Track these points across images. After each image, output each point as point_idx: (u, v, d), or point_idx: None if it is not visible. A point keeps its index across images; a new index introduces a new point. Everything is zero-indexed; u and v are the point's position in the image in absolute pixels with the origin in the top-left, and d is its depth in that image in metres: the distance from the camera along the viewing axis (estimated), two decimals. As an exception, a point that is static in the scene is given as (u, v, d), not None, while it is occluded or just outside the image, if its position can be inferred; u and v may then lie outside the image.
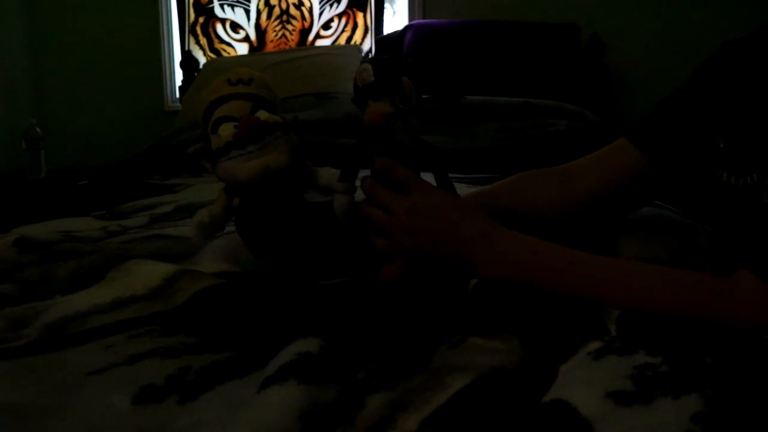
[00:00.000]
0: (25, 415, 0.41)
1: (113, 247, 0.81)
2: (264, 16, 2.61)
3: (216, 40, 2.65)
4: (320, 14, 2.57)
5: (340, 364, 0.44)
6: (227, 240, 0.76)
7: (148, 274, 0.64)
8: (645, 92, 2.30)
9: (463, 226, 0.61)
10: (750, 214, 0.60)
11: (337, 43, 2.56)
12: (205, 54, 2.67)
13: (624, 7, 2.42)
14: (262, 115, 0.66)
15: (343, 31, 2.56)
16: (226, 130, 0.66)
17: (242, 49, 2.64)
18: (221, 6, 2.64)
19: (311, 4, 2.57)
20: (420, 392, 0.41)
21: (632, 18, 2.42)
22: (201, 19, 2.66)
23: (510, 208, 0.77)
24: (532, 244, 0.60)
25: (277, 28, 2.60)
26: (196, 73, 2.58)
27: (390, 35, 2.53)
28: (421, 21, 2.50)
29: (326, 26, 2.57)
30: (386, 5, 2.60)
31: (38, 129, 2.43)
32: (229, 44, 2.65)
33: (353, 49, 2.48)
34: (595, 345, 0.45)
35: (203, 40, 2.67)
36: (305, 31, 2.58)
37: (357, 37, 2.55)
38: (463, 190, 0.77)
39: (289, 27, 2.59)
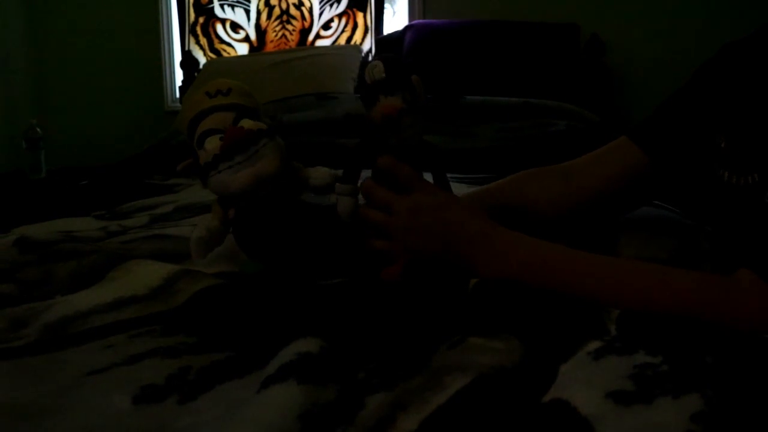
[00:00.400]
0: (25, 415, 0.41)
1: (113, 247, 0.81)
2: (264, 16, 2.61)
3: (216, 40, 2.65)
4: (320, 14, 2.57)
5: (340, 364, 0.44)
6: (227, 241, 0.76)
7: (148, 274, 0.64)
8: (645, 92, 2.30)
9: (464, 226, 0.61)
10: (751, 213, 0.60)
11: (337, 43, 2.56)
12: (205, 54, 2.67)
13: (624, 7, 2.42)
14: (246, 123, 0.66)
15: (343, 31, 2.56)
16: (212, 144, 0.66)
17: (242, 49, 2.64)
18: (221, 6, 2.64)
19: (311, 4, 2.57)
20: (420, 392, 0.41)
21: (632, 18, 2.42)
22: (201, 19, 2.66)
23: (510, 207, 0.77)
24: (533, 244, 0.60)
25: (277, 28, 2.60)
26: (196, 73, 2.57)
27: (390, 35, 2.53)
28: (421, 21, 2.50)
29: (326, 26, 2.57)
30: (386, 5, 2.60)
31: (38, 129, 2.43)
32: (229, 44, 2.65)
33: (353, 49, 2.48)
34: (595, 345, 0.45)
35: (203, 40, 2.67)
36: (305, 31, 2.58)
37: (357, 37, 2.55)
38: (463, 190, 0.77)
39: (289, 27, 2.59)
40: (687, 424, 0.35)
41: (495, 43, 2.27)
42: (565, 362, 0.44)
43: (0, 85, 2.71)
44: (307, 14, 2.58)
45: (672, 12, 2.39)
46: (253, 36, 2.62)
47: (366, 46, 2.54)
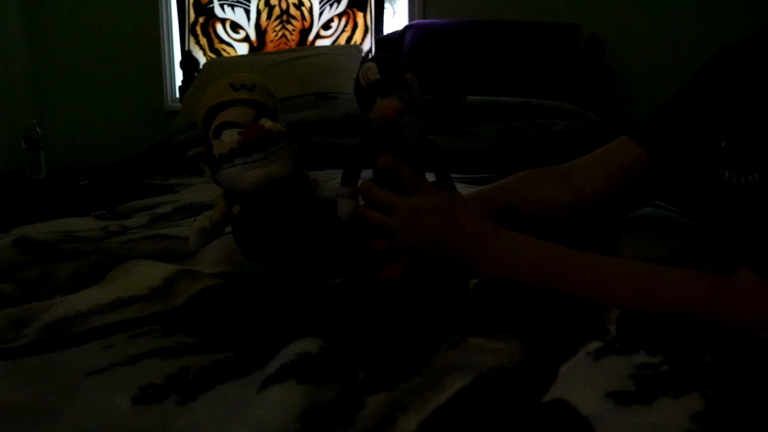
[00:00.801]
0: (25, 415, 0.41)
1: (113, 247, 0.81)
2: (264, 16, 2.61)
3: (216, 40, 2.65)
4: (320, 14, 2.57)
5: (340, 364, 0.44)
6: (227, 240, 0.76)
7: (148, 274, 0.64)
8: (645, 92, 2.30)
9: (465, 226, 0.61)
10: (751, 213, 0.60)
11: (337, 43, 2.56)
12: (205, 54, 2.67)
13: (624, 7, 2.42)
14: (266, 123, 0.66)
15: (343, 31, 2.56)
16: (231, 137, 0.65)
17: (242, 49, 2.64)
18: (221, 6, 2.64)
19: (311, 4, 2.57)
20: (420, 392, 0.41)
21: (632, 18, 2.42)
22: (201, 19, 2.66)
23: (510, 208, 0.77)
24: (533, 245, 0.60)
25: (277, 28, 2.60)
26: (196, 73, 2.58)
27: (390, 35, 2.53)
28: (421, 21, 2.50)
29: (326, 26, 2.57)
30: (386, 5, 2.60)
31: (38, 129, 2.43)
32: (229, 44, 2.65)
33: (353, 49, 2.48)
34: (595, 345, 0.45)
35: (203, 40, 2.67)
36: (305, 31, 2.58)
37: (357, 37, 2.55)
38: (463, 190, 0.77)
39: (289, 27, 2.59)
40: (687, 424, 0.35)
41: (495, 43, 2.27)
42: (565, 362, 0.44)
43: (0, 85, 2.71)
44: (307, 14, 2.58)
45: (672, 12, 2.39)
46: (253, 36, 2.62)
47: (366, 46, 2.53)
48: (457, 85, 2.02)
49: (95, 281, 0.64)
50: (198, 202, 1.13)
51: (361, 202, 0.68)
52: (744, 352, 0.43)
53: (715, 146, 0.66)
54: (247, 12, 2.62)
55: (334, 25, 2.56)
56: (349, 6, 2.55)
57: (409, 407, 0.40)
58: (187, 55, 2.66)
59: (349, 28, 2.55)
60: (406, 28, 2.46)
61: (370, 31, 2.55)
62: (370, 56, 2.48)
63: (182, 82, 2.71)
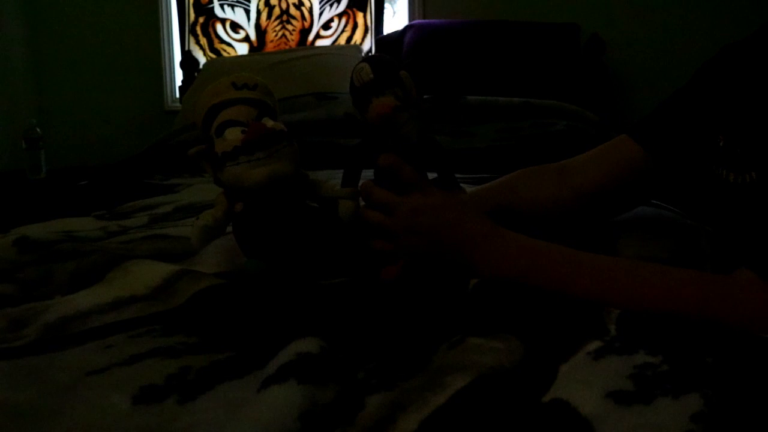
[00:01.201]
0: (25, 415, 0.41)
1: (113, 247, 0.81)
2: (264, 16, 2.61)
3: (216, 40, 2.65)
4: (320, 14, 2.57)
5: (340, 364, 0.44)
6: (227, 240, 0.76)
7: (148, 274, 0.64)
8: (645, 92, 2.30)
9: (464, 226, 0.61)
10: (749, 212, 0.60)
11: (337, 43, 2.56)
12: (205, 54, 2.67)
13: (624, 7, 2.42)
14: (269, 122, 0.66)
15: (343, 31, 2.56)
16: (234, 135, 0.65)
17: (242, 49, 2.64)
18: (221, 6, 2.64)
19: (311, 4, 2.57)
20: (420, 392, 0.41)
21: (632, 18, 2.42)
22: (201, 19, 2.66)
23: (509, 205, 0.77)
24: (533, 245, 0.60)
25: (277, 28, 2.60)
26: (196, 73, 2.57)
27: (390, 35, 2.53)
28: (421, 21, 2.50)
29: (326, 26, 2.57)
30: (386, 5, 2.60)
31: (38, 129, 2.43)
32: (229, 44, 2.65)
33: (353, 49, 2.48)
34: (595, 345, 0.45)
35: (203, 40, 2.67)
36: (305, 31, 2.58)
37: (357, 37, 2.55)
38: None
39: (289, 27, 2.59)
40: (687, 424, 0.35)
41: (495, 43, 2.27)
42: (565, 362, 0.44)
43: (0, 85, 2.71)
44: (307, 14, 2.58)
45: (672, 12, 2.39)
46: (253, 36, 2.62)
47: (366, 46, 2.54)
48: (457, 85, 2.02)
49: (95, 281, 0.64)
50: (198, 202, 1.13)
51: (362, 203, 0.68)
52: (744, 352, 0.43)
53: (713, 145, 0.66)
54: (247, 12, 2.62)
55: (334, 25, 2.56)
56: (349, 6, 2.55)
57: (409, 407, 0.40)
58: (187, 55, 2.66)
59: (349, 28, 2.55)
60: (406, 28, 2.46)
61: (370, 31, 2.55)
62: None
63: (182, 82, 2.71)
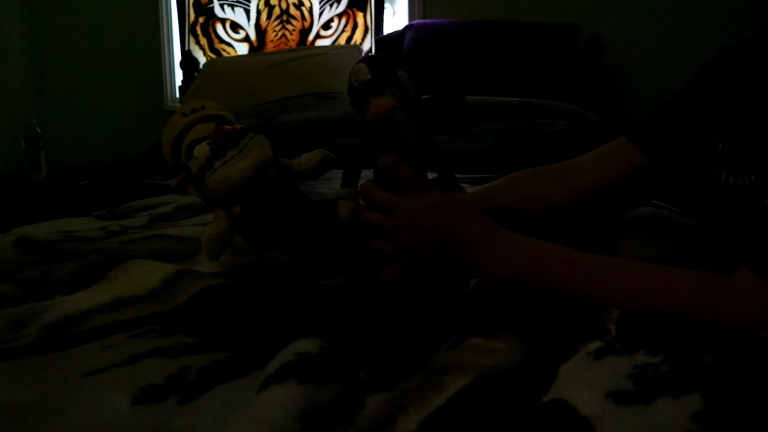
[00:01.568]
0: (25, 415, 0.41)
1: (113, 247, 0.81)
2: (264, 16, 2.61)
3: (216, 40, 2.65)
4: (320, 14, 2.57)
5: (340, 364, 0.44)
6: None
7: (148, 274, 0.64)
8: (645, 92, 2.30)
9: (465, 226, 0.61)
10: (749, 215, 0.60)
11: (337, 43, 2.56)
12: (205, 54, 2.67)
13: (624, 7, 2.42)
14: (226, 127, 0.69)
15: (343, 31, 2.56)
16: (201, 149, 0.68)
17: (242, 49, 2.64)
18: (221, 6, 2.64)
19: (311, 4, 2.57)
20: (420, 392, 0.41)
21: (632, 18, 2.42)
22: (201, 19, 2.66)
23: (509, 206, 0.77)
24: (533, 245, 0.60)
25: (277, 28, 2.60)
26: (196, 73, 2.57)
27: (390, 35, 2.53)
28: (421, 21, 2.50)
29: (326, 26, 2.57)
30: (386, 5, 2.60)
31: (38, 129, 2.43)
32: (229, 44, 2.65)
33: (353, 49, 2.48)
34: (595, 345, 0.45)
35: (203, 40, 2.67)
36: (305, 31, 2.58)
37: (357, 37, 2.55)
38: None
39: (289, 27, 2.59)
40: (687, 424, 0.35)
41: (495, 43, 2.27)
42: (565, 362, 0.44)
43: (0, 85, 2.71)
44: (307, 14, 2.58)
45: (672, 12, 2.39)
46: (253, 36, 2.62)
47: (366, 46, 2.54)
48: (457, 85, 2.02)
49: (95, 281, 0.64)
50: (198, 202, 1.12)
51: (362, 203, 0.68)
52: (744, 352, 0.43)
53: (712, 149, 0.66)
54: (247, 12, 2.62)
55: (334, 25, 2.56)
56: (349, 6, 2.55)
57: (409, 407, 0.40)
58: (187, 55, 2.66)
59: (349, 28, 2.56)
60: (406, 28, 2.46)
61: (370, 31, 2.55)
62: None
63: (182, 82, 2.71)
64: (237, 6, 2.63)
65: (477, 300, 0.56)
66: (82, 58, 2.87)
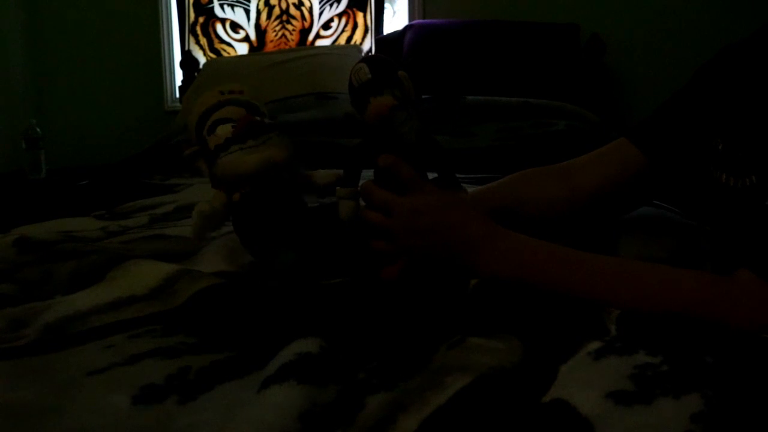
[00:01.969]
0: (25, 415, 0.41)
1: (113, 247, 0.81)
2: (264, 16, 2.61)
3: (216, 40, 2.65)
4: (320, 14, 2.57)
5: (340, 364, 0.44)
6: (227, 240, 0.76)
7: (148, 274, 0.64)
8: (645, 92, 2.30)
9: (466, 226, 0.61)
10: (749, 215, 0.60)
11: (337, 43, 2.56)
12: (205, 54, 2.67)
13: (624, 7, 2.42)
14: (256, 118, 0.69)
15: (343, 31, 2.56)
16: (224, 129, 0.68)
17: (242, 49, 2.64)
18: (221, 6, 2.64)
19: (311, 4, 2.57)
20: (420, 392, 0.41)
21: (632, 18, 2.42)
22: (201, 19, 2.66)
23: (509, 207, 0.77)
24: (533, 245, 0.60)
25: (277, 28, 2.60)
26: (196, 73, 2.57)
27: (390, 35, 2.53)
28: (421, 21, 2.50)
29: (326, 26, 2.57)
30: (386, 5, 2.60)
31: (38, 129, 2.43)
32: (229, 44, 2.65)
33: (353, 49, 2.48)
34: (595, 345, 0.45)
35: (203, 40, 2.67)
36: (305, 31, 2.58)
37: (357, 37, 2.55)
38: (464, 189, 0.77)
39: (289, 27, 2.59)
40: (687, 424, 0.35)
41: (495, 43, 2.27)
42: (565, 362, 0.44)
43: (0, 85, 2.71)
44: (307, 14, 2.58)
45: (672, 12, 2.39)
46: (253, 36, 2.62)
47: (366, 46, 2.54)
48: (457, 85, 2.02)
49: (95, 281, 0.64)
50: (198, 202, 1.12)
51: (362, 203, 0.68)
52: (744, 352, 0.43)
53: (712, 149, 0.66)
54: (247, 12, 2.62)
55: (334, 25, 2.56)
56: (349, 6, 2.55)
57: (410, 407, 0.40)
58: (187, 55, 2.66)
59: (349, 28, 2.56)
60: (406, 28, 2.46)
61: (370, 31, 2.55)
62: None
63: (182, 82, 2.71)
64: (237, 6, 2.63)
65: (477, 300, 0.56)
66: (82, 58, 2.87)
